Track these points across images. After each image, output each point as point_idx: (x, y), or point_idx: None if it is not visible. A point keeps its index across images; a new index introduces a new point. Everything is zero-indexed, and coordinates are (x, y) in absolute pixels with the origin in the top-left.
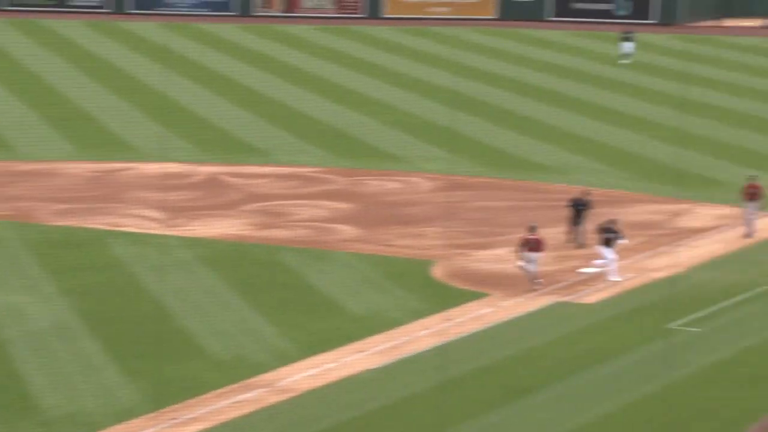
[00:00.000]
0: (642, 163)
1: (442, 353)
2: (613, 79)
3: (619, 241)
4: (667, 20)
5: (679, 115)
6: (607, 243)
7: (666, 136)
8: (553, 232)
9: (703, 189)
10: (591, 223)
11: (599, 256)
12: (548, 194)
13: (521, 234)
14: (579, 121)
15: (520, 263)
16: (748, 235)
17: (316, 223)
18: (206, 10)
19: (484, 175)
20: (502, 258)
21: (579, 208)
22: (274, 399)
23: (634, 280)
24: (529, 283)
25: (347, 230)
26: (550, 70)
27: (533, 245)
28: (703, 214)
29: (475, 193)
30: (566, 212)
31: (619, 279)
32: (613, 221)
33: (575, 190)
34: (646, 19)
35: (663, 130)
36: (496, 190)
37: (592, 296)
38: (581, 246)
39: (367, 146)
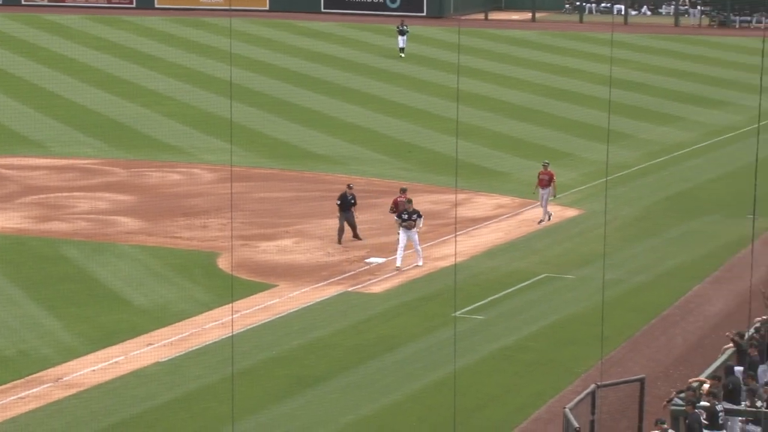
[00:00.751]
0: (421, 153)
1: (230, 345)
2: (391, 71)
3: (418, 226)
4: (438, 13)
5: (454, 106)
6: (408, 227)
7: (443, 127)
8: (334, 224)
9: (482, 179)
10: (360, 215)
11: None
12: (330, 185)
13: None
14: (359, 113)
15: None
16: (542, 220)
17: (98, 216)
18: None
19: (265, 166)
20: (287, 249)
21: (347, 203)
22: (61, 394)
23: (419, 269)
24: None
25: (130, 222)
26: (328, 62)
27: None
28: (483, 203)
29: (257, 184)
30: (336, 208)
31: (420, 263)
32: (410, 207)
33: (355, 182)
34: (420, 12)
35: (440, 121)
36: (278, 181)
37: (378, 286)
38: (357, 238)
39: (146, 137)
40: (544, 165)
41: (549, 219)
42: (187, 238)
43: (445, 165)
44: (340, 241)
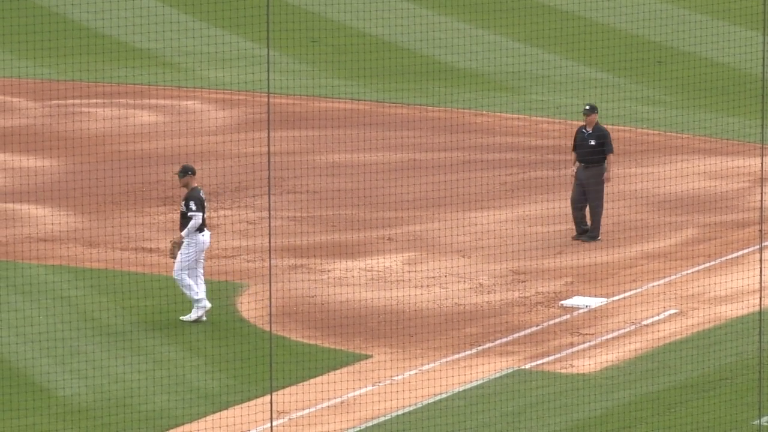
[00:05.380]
0: (672, 67)
1: None
2: None
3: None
4: None
5: None
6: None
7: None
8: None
9: None
10: None
11: None
12: (489, 135)
13: None
14: None
15: None
16: None
17: None
18: None
19: (344, 96)
20: (390, 275)
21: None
22: None
23: (675, 322)
24: None
25: (45, 217)
26: None
27: None
28: None
29: (324, 134)
30: None
31: None
32: None
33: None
34: None
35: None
36: (373, 128)
37: (590, 357)
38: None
39: (86, 34)
40: None
41: None
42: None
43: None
44: (581, 233)
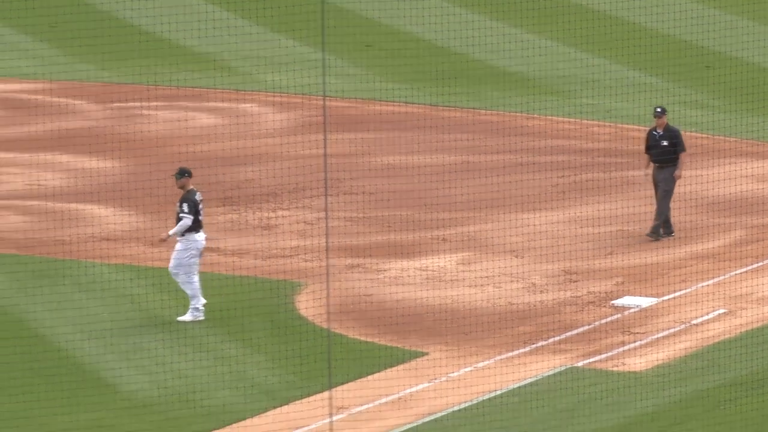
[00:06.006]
0: (723, 71)
1: None
2: None
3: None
4: None
5: None
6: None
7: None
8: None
9: None
10: None
11: None
12: (542, 138)
13: None
14: None
15: None
16: None
17: (43, 203)
18: None
19: (396, 99)
20: (444, 275)
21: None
22: None
23: (725, 321)
24: None
25: (107, 217)
26: None
27: None
28: None
29: (381, 136)
30: None
31: None
32: None
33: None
34: None
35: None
36: (427, 131)
37: (641, 356)
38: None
39: (142, 36)
40: None
41: None
42: (231, 251)
43: None
44: (658, 233)
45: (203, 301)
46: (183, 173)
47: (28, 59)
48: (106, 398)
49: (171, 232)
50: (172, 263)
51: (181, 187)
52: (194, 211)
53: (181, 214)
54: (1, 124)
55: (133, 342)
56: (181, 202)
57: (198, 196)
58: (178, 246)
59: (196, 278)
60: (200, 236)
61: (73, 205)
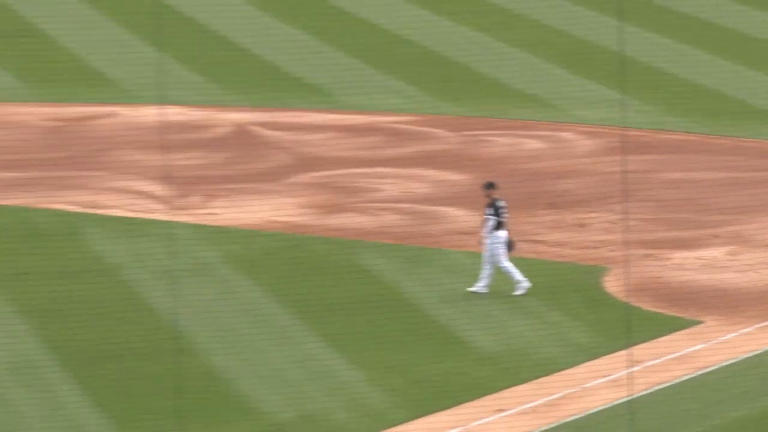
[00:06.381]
0: None
1: (626, 415)
2: None
3: None
4: None
5: None
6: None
7: None
8: None
9: None
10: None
11: None
12: None
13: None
14: None
15: None
16: None
17: (414, 205)
18: None
19: (679, 129)
20: (717, 263)
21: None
22: None
23: None
24: None
25: (461, 217)
26: None
27: None
28: None
29: (666, 158)
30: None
31: None
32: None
33: None
34: None
35: None
36: (702, 154)
37: None
38: None
39: (485, 82)
40: None
41: None
42: (555, 243)
43: None
44: None
45: (520, 278)
46: (489, 186)
47: (400, 98)
48: (460, 351)
49: (483, 231)
50: (486, 253)
51: (487, 196)
52: (497, 213)
53: (486, 216)
54: (383, 147)
55: (481, 309)
56: (488, 207)
57: (501, 203)
58: (487, 241)
59: (506, 263)
60: (502, 233)
61: (436, 207)
